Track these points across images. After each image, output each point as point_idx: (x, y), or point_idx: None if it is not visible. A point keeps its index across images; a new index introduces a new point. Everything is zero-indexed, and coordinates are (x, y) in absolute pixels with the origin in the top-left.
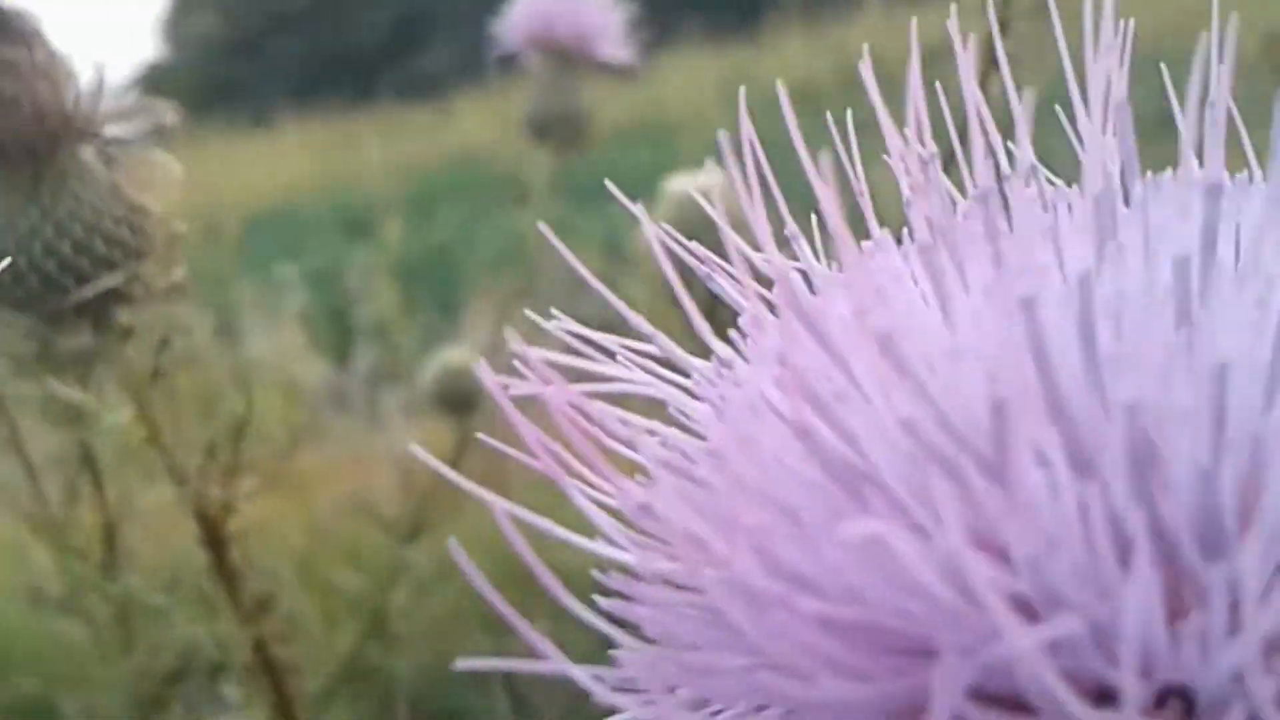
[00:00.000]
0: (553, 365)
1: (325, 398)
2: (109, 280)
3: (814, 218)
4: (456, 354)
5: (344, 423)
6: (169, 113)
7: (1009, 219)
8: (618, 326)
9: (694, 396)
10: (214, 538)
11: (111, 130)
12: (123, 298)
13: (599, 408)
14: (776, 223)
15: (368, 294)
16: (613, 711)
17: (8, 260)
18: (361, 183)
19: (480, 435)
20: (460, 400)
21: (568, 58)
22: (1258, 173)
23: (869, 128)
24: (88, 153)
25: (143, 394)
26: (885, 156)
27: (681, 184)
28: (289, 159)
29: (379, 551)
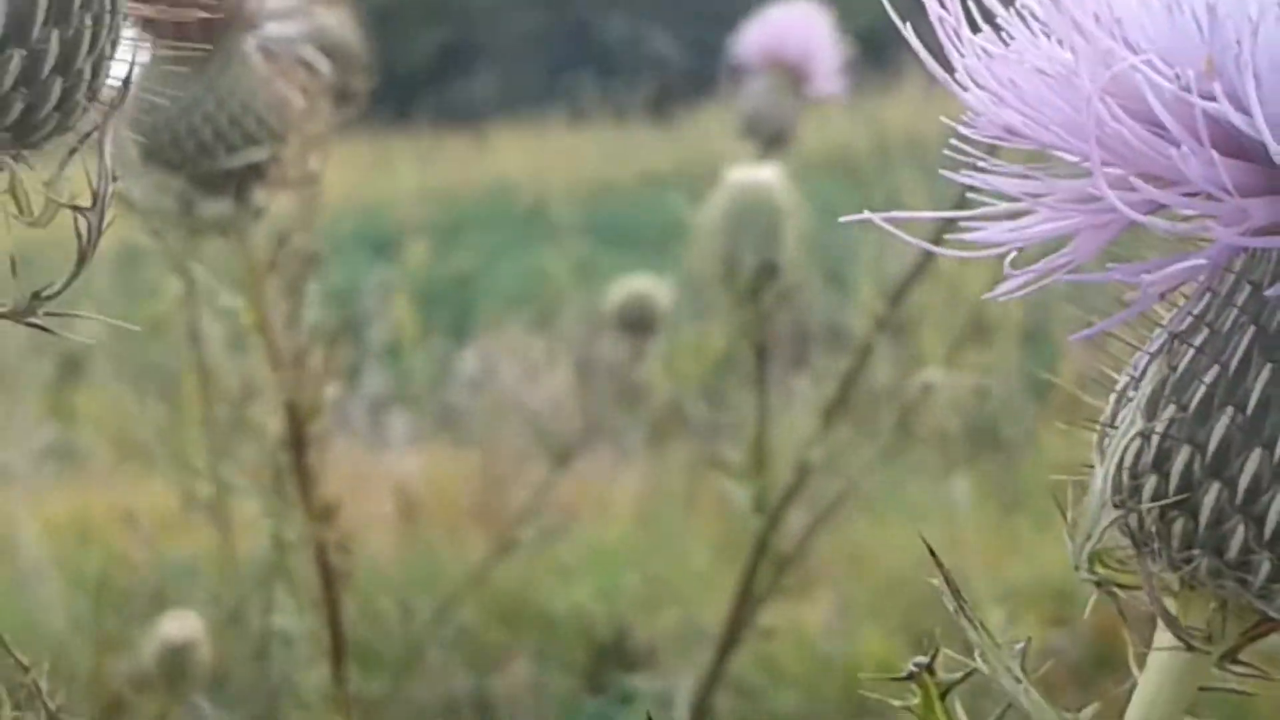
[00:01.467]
0: None
1: (331, 416)
2: (255, 153)
3: None
4: (640, 280)
5: (346, 444)
6: (328, 18)
7: None
8: None
9: None
10: (297, 437)
11: (273, 27)
12: (262, 175)
13: None
14: None
15: (383, 315)
16: None
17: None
18: (392, 204)
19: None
20: (640, 322)
21: (790, 75)
22: None
23: None
24: (250, 43)
25: (260, 281)
26: None
27: (742, 175)
28: (325, 174)
29: (370, 579)
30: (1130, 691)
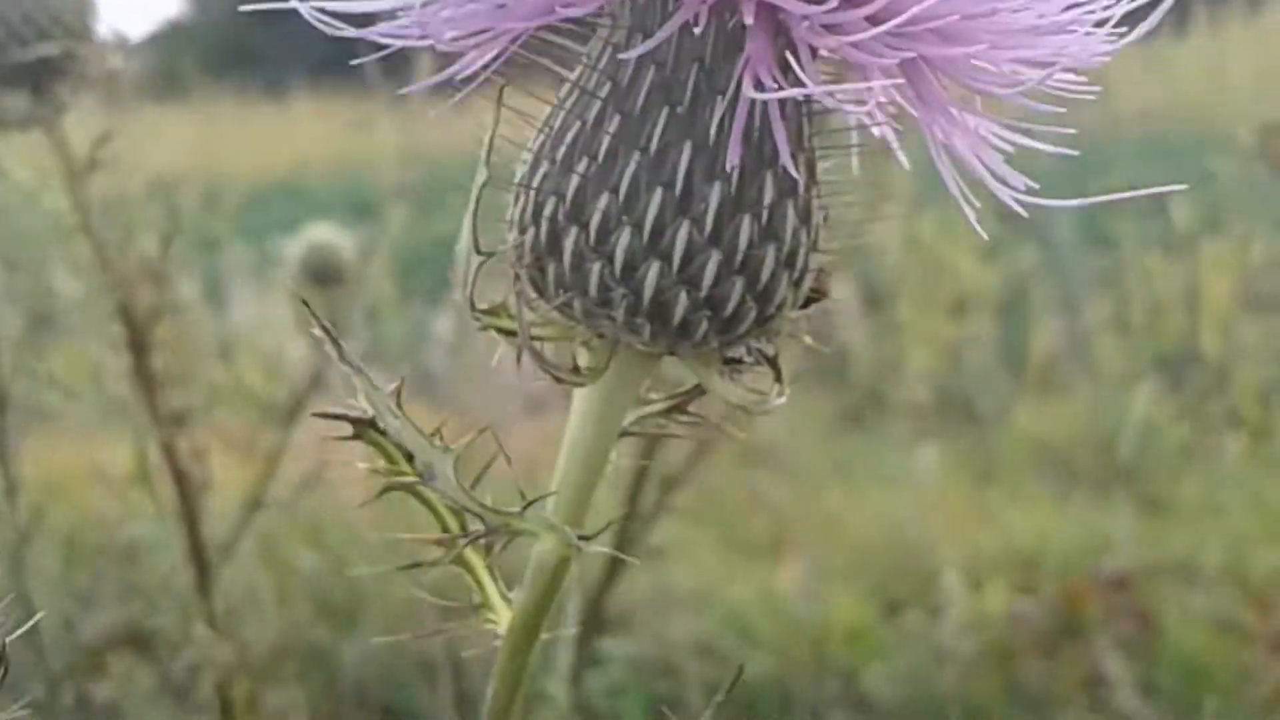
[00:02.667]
0: None
1: (306, 376)
2: (46, 48)
3: None
4: (321, 230)
5: (322, 403)
6: None
7: None
8: None
9: None
10: (138, 340)
11: None
12: (60, 73)
13: None
14: None
15: (361, 278)
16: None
17: None
18: (372, 166)
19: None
20: (325, 273)
21: None
22: None
23: None
24: None
25: (79, 179)
26: None
27: None
28: (302, 133)
29: (339, 532)
30: None
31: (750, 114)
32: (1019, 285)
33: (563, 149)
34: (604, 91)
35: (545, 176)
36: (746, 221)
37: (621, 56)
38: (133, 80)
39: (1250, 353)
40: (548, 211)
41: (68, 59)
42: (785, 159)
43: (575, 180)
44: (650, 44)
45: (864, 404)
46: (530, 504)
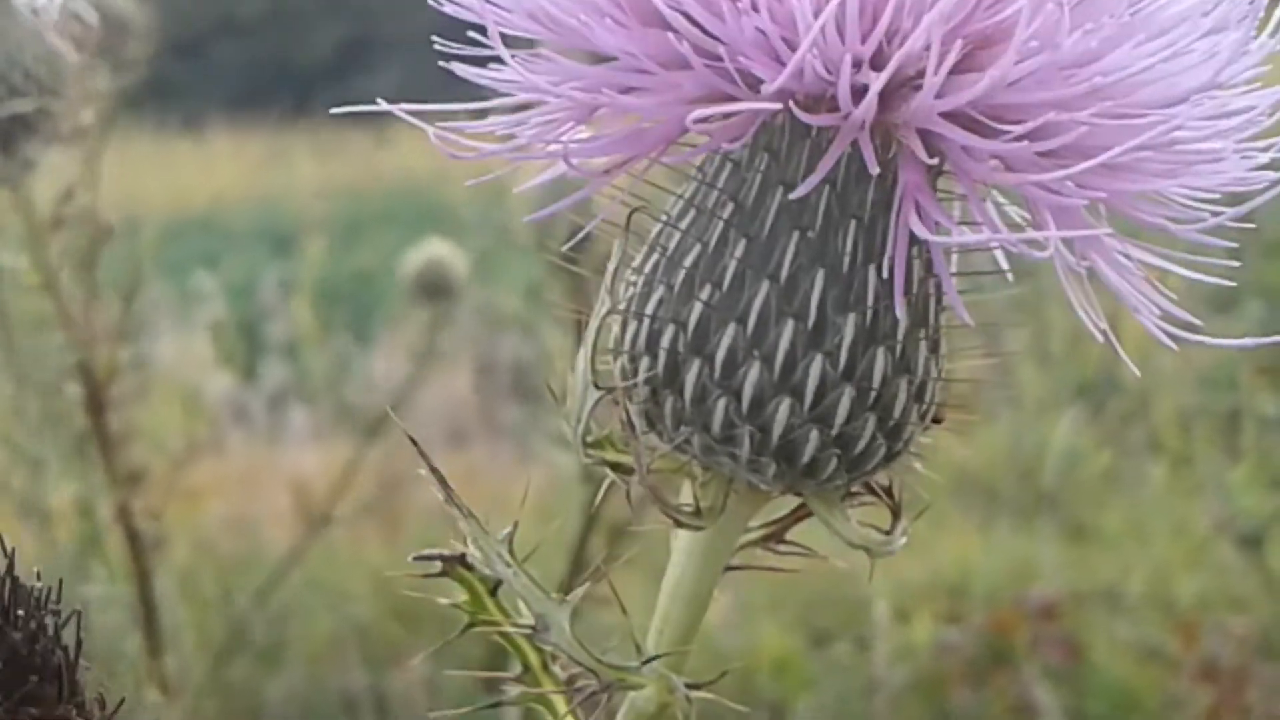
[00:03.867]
0: None
1: (228, 411)
2: (19, 105)
3: None
4: (437, 246)
5: (244, 438)
6: None
7: None
8: None
9: None
10: (95, 400)
11: None
12: (31, 129)
13: None
14: None
15: (282, 311)
16: None
17: None
18: (291, 200)
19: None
20: (438, 288)
21: None
22: None
23: None
24: None
25: (42, 240)
26: None
27: None
28: (220, 167)
29: (263, 571)
30: None
31: (882, 241)
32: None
33: (681, 273)
34: (726, 212)
35: (661, 302)
36: (880, 354)
37: (782, 198)
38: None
39: (1169, 380)
40: (666, 341)
41: (40, 116)
42: (953, 298)
43: (698, 308)
44: (809, 186)
45: None
46: (648, 661)
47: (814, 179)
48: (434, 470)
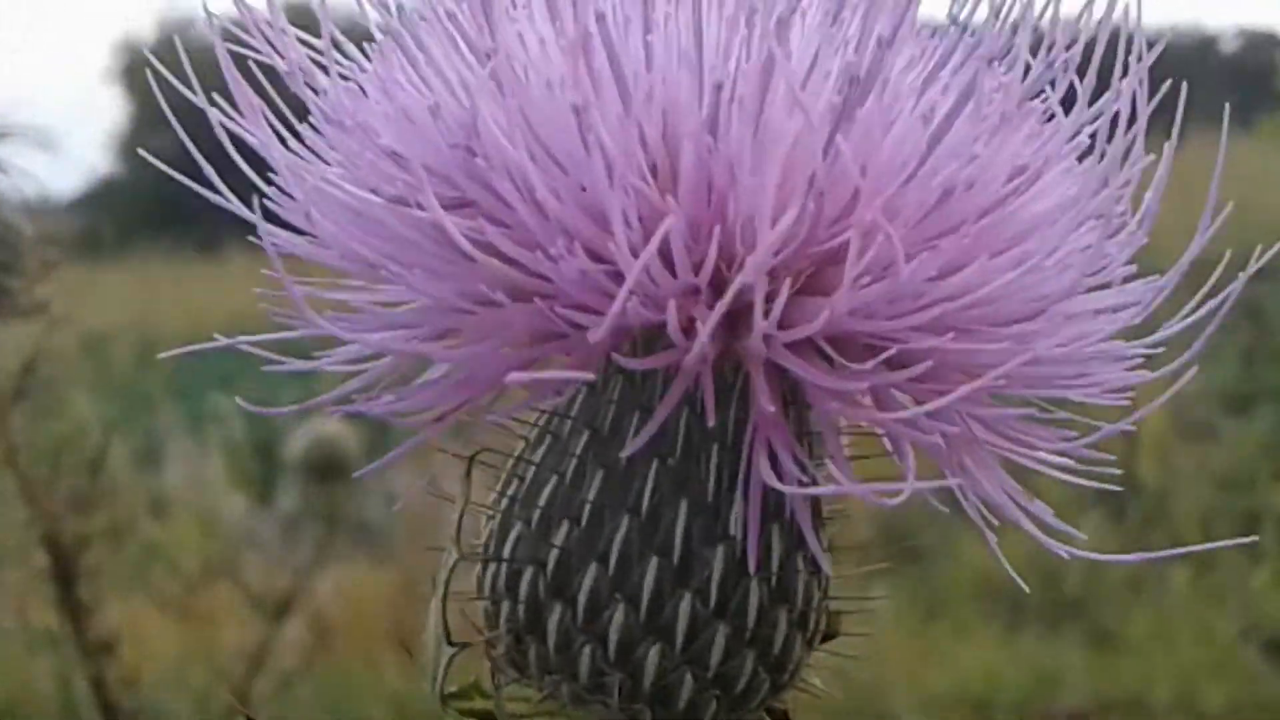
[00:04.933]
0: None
1: (243, 533)
2: None
3: None
4: (329, 424)
5: (259, 560)
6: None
7: None
8: None
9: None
10: (64, 570)
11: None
12: None
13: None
14: None
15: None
16: None
17: None
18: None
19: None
20: (329, 467)
21: None
22: None
23: None
24: None
25: (4, 413)
26: None
27: None
28: (236, 288)
29: (282, 701)
30: None
31: (749, 463)
32: None
33: (538, 510)
34: (582, 441)
35: (519, 541)
36: (755, 586)
37: (625, 448)
38: (63, 239)
39: (1187, 481)
40: (526, 583)
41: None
42: (812, 542)
43: (556, 550)
44: (653, 427)
45: None
46: None
47: (650, 428)
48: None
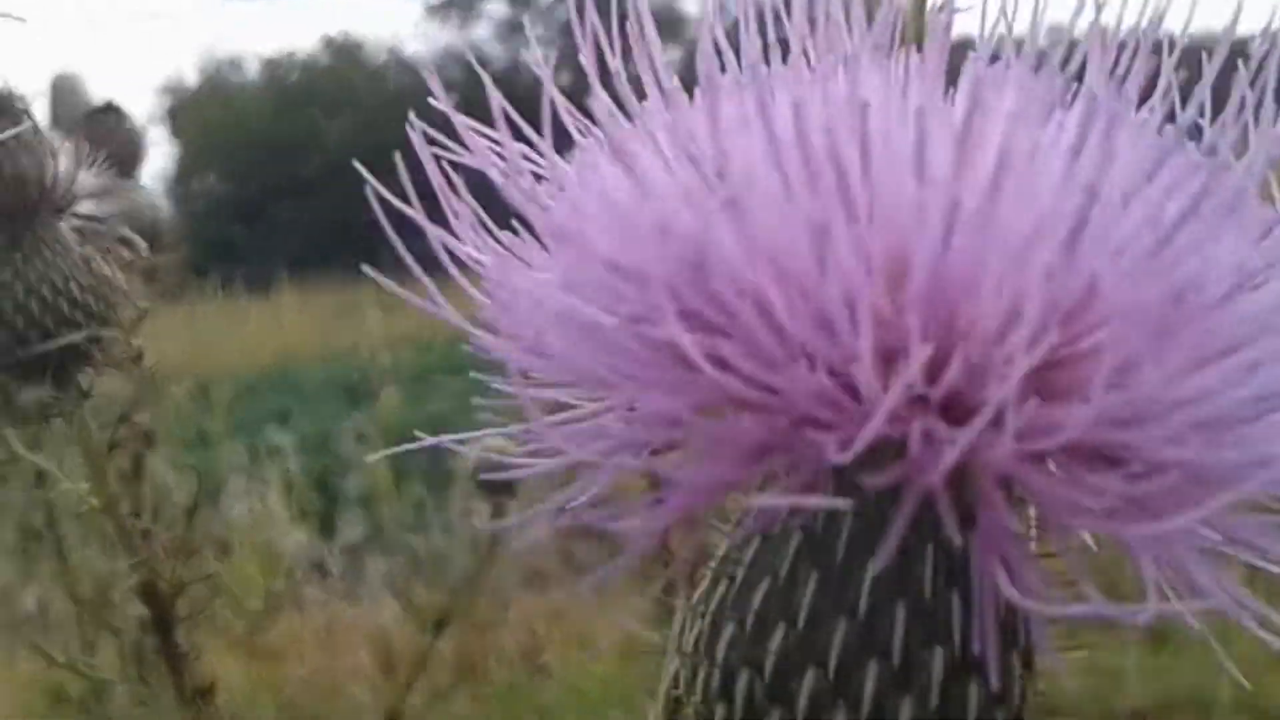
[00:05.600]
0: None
1: (306, 566)
2: (70, 337)
3: None
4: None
5: (322, 593)
6: (138, 195)
7: None
8: None
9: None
10: (161, 618)
11: (86, 207)
12: (84, 359)
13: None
14: None
15: (357, 462)
16: None
17: None
18: (360, 351)
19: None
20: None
21: None
22: None
23: None
24: (64, 225)
25: (100, 462)
26: None
27: None
28: (288, 324)
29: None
30: None
31: (963, 561)
32: None
33: (752, 612)
34: (794, 543)
35: (733, 642)
36: (974, 689)
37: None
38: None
39: None
40: (742, 686)
41: (91, 344)
42: (1044, 647)
43: (773, 654)
44: (889, 549)
45: None
46: None
47: (887, 549)
48: None
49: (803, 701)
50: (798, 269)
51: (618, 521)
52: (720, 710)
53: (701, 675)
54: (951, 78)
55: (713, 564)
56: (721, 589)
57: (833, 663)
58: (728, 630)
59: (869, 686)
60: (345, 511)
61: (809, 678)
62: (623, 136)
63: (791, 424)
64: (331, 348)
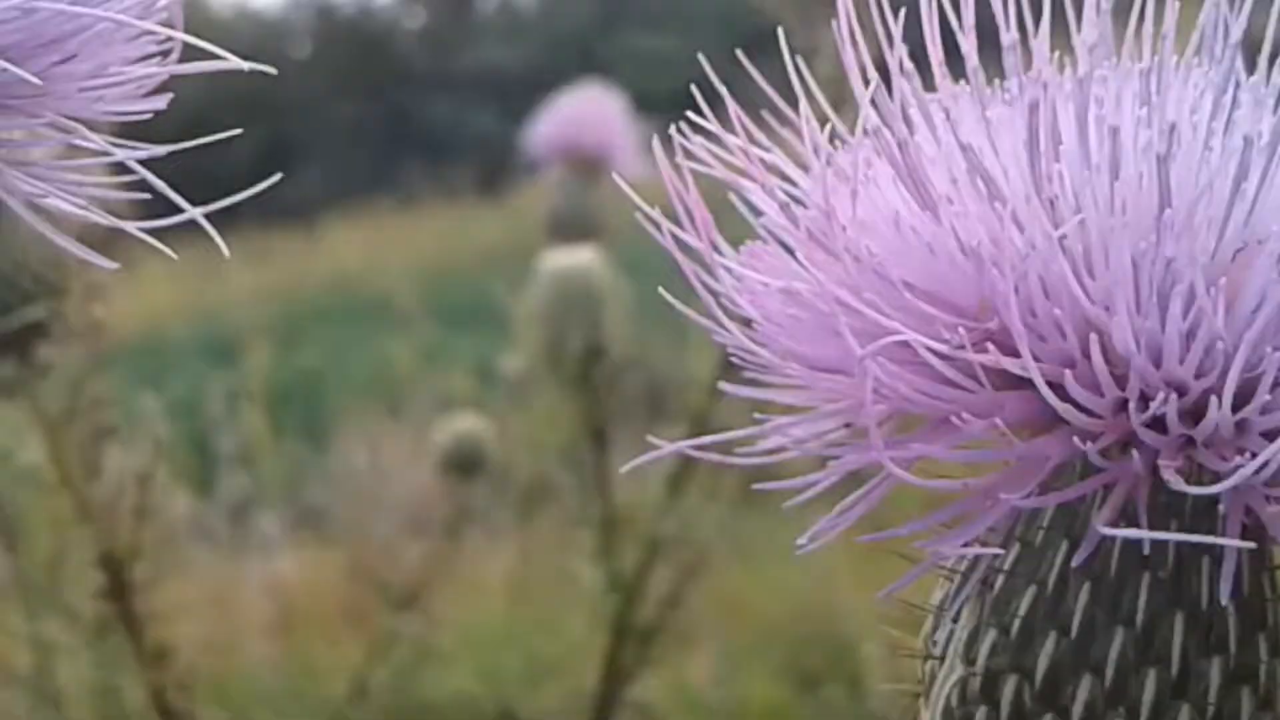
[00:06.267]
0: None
1: (187, 529)
2: (34, 313)
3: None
4: (467, 420)
5: (207, 554)
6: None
7: None
8: None
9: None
10: (119, 584)
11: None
12: (45, 333)
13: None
14: None
15: (231, 421)
16: None
17: None
18: (227, 309)
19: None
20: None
21: (588, 167)
22: None
23: None
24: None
25: (57, 433)
26: None
27: (559, 260)
28: (151, 286)
29: (246, 689)
30: None
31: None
32: None
33: (1017, 620)
34: (1061, 551)
35: (995, 648)
36: (1246, 694)
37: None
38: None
39: None
40: (1009, 691)
41: (52, 319)
42: None
43: (1045, 660)
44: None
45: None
46: None
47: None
48: None
49: (1078, 708)
50: (1131, 299)
51: (943, 542)
52: (982, 712)
53: (955, 678)
54: None
55: (956, 568)
56: (974, 594)
57: (1109, 670)
58: (989, 637)
59: (1148, 694)
60: (223, 471)
61: (1085, 684)
62: (916, 160)
63: (1115, 446)
64: (197, 306)
